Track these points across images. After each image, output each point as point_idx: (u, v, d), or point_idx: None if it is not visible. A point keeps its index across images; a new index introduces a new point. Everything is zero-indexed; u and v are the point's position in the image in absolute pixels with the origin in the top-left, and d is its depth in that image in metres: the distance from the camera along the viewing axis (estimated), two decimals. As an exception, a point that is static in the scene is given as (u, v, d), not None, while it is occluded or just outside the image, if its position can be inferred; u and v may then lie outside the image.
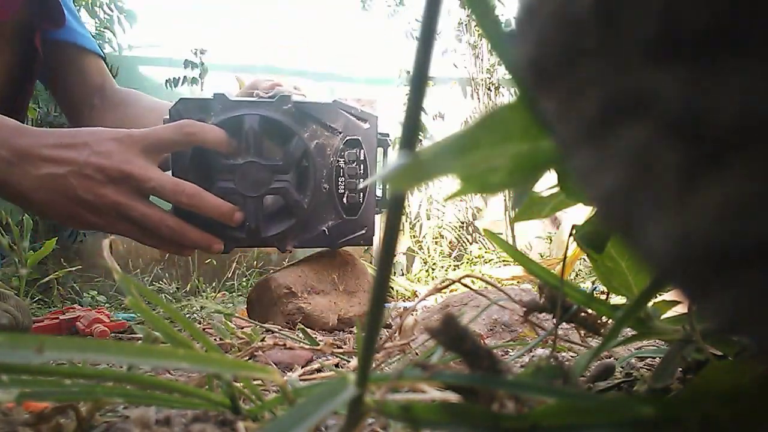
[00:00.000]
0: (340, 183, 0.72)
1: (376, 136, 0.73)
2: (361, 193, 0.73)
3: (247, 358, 0.43)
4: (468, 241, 2.96)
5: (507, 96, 3.06)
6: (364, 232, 0.75)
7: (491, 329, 0.57)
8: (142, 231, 0.64)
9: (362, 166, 0.73)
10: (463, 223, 3.03)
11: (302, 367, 0.44)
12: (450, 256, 2.86)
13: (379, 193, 0.77)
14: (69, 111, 0.99)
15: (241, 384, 0.26)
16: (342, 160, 0.72)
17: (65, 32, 0.91)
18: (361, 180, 0.72)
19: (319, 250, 0.81)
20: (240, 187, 0.66)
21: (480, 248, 2.73)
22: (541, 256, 2.35)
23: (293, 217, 0.71)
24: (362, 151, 0.73)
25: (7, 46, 0.82)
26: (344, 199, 0.73)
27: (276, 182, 0.68)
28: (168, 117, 0.66)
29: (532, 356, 0.42)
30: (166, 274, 2.10)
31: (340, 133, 0.72)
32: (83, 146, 0.60)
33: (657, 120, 0.11)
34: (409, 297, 1.51)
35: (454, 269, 2.52)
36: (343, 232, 0.74)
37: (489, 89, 3.07)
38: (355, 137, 0.72)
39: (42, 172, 0.59)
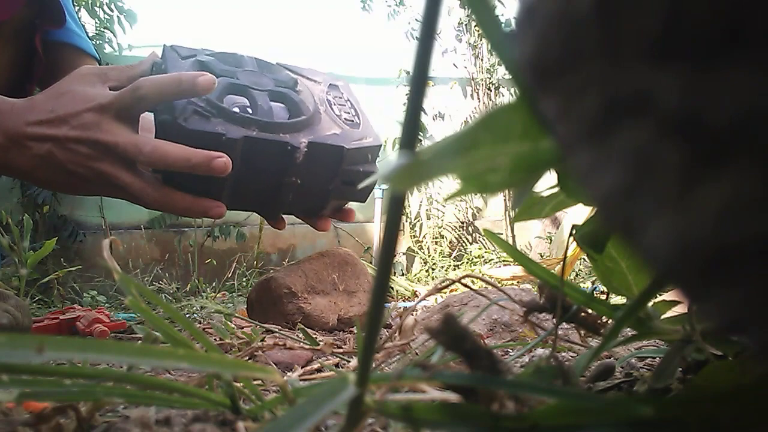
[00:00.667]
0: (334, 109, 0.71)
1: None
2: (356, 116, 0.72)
3: (247, 358, 0.43)
4: (468, 241, 2.96)
5: (507, 96, 3.06)
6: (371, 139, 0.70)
7: (491, 329, 0.57)
8: (132, 197, 0.63)
9: (350, 103, 0.73)
10: (463, 223, 3.03)
11: (302, 367, 0.44)
12: (450, 256, 2.86)
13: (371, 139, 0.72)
14: None
15: (241, 384, 0.26)
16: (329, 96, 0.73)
17: (63, 33, 0.91)
18: (354, 112, 0.72)
19: (318, 251, 0.81)
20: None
21: (480, 248, 2.73)
22: (541, 256, 2.35)
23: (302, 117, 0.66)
24: (345, 94, 0.74)
25: (8, 47, 0.82)
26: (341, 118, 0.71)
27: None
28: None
29: (532, 356, 0.42)
30: (166, 274, 2.10)
31: (320, 82, 0.74)
32: (61, 121, 0.59)
33: (657, 120, 0.11)
34: (409, 297, 1.51)
35: (454, 269, 2.52)
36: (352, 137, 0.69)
37: (489, 89, 3.07)
38: (336, 84, 0.74)
39: (33, 152, 0.60)
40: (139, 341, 0.29)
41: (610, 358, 0.40)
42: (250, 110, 0.64)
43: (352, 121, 0.71)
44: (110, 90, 0.62)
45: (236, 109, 0.62)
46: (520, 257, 0.32)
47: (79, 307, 0.92)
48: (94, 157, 0.60)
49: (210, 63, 0.67)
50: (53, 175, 0.61)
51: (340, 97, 0.74)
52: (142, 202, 0.62)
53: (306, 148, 0.63)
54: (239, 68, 0.69)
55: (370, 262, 2.37)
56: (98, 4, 2.55)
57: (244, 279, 2.08)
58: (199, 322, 0.86)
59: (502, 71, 3.02)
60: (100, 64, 0.98)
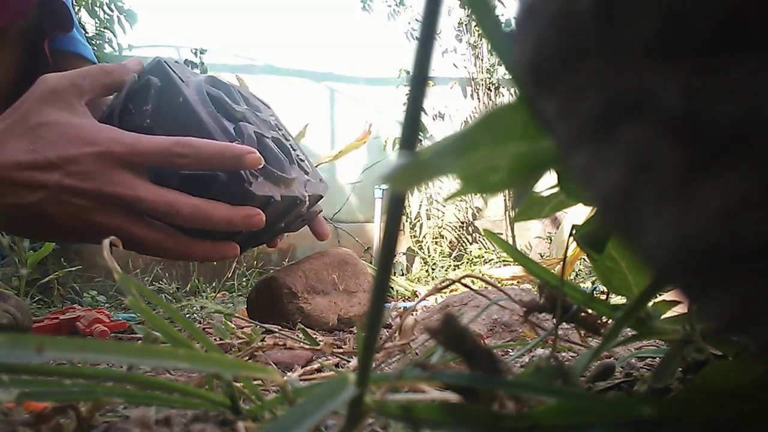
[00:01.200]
0: None
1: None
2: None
3: (247, 358, 0.43)
4: (468, 241, 2.96)
5: (507, 96, 3.06)
6: None
7: (491, 329, 0.57)
8: (146, 249, 0.55)
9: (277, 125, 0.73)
10: (463, 223, 3.03)
11: (302, 367, 0.44)
12: (450, 256, 2.86)
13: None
14: None
15: (241, 384, 0.26)
16: None
17: (66, 40, 0.90)
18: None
19: (318, 250, 0.81)
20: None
21: (480, 248, 2.73)
22: (541, 256, 2.35)
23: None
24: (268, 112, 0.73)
25: (13, 50, 0.80)
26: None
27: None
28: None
29: (532, 356, 0.42)
30: (166, 274, 2.10)
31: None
32: (51, 166, 0.48)
33: (657, 120, 0.11)
34: (409, 297, 1.51)
35: (454, 269, 2.52)
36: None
37: (489, 89, 3.07)
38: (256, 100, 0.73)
39: (8, 201, 0.48)
40: (139, 341, 0.29)
41: (610, 358, 0.40)
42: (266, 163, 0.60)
43: (303, 161, 0.74)
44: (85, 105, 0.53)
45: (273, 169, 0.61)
46: (520, 257, 0.32)
47: (79, 307, 0.92)
48: (99, 212, 0.50)
49: (221, 100, 0.61)
50: (35, 229, 0.52)
51: (275, 119, 0.73)
52: (158, 254, 0.55)
53: (308, 200, 0.68)
54: (237, 104, 0.64)
55: (370, 262, 2.38)
56: (98, 4, 2.55)
57: (244, 279, 2.08)
58: (199, 322, 0.86)
59: (502, 71, 3.02)
60: None
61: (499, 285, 0.55)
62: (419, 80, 0.16)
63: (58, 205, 0.49)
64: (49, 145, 0.49)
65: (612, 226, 0.12)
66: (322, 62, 2.93)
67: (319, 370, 0.43)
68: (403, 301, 1.31)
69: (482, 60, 3.09)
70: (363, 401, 0.18)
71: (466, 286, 0.41)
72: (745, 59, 0.09)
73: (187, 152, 0.51)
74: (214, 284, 2.01)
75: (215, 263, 2.27)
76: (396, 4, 3.16)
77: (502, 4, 2.80)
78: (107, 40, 2.59)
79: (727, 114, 0.10)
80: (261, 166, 0.55)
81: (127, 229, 0.52)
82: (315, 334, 0.69)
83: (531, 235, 2.95)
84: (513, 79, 0.16)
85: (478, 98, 3.08)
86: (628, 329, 0.28)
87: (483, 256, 2.63)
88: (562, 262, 0.31)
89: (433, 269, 2.62)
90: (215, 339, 0.54)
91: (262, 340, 0.48)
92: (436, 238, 2.93)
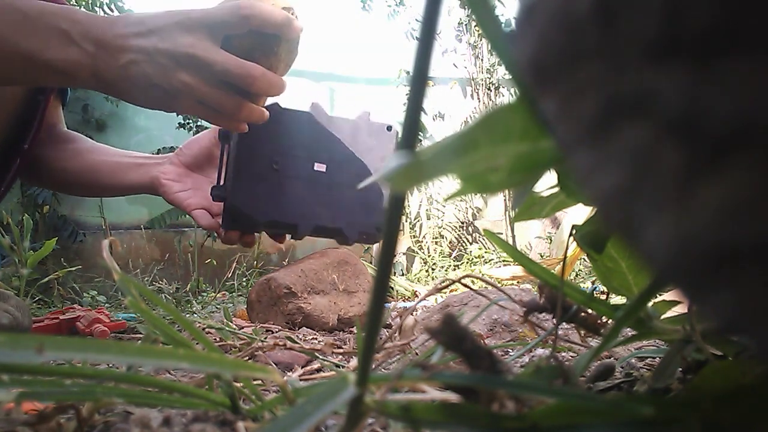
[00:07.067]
0: None
1: None
2: None
3: (248, 358, 0.43)
4: (468, 241, 2.96)
5: (507, 96, 3.06)
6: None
7: (491, 329, 0.57)
8: (216, 114, 0.66)
9: None
10: (463, 223, 3.03)
11: (302, 367, 0.44)
12: (450, 256, 2.86)
13: None
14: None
15: (241, 384, 0.26)
16: None
17: None
18: None
19: (318, 250, 0.81)
20: None
21: (480, 248, 2.73)
22: (541, 256, 2.35)
23: None
24: None
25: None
26: None
27: None
28: None
29: (532, 356, 0.42)
30: (166, 274, 2.10)
31: None
32: (151, 33, 0.62)
33: (657, 120, 0.11)
34: (409, 297, 1.51)
35: (454, 269, 2.52)
36: None
37: (489, 89, 3.07)
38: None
39: (121, 62, 0.61)
40: (139, 341, 0.29)
41: (610, 358, 0.40)
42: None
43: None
44: None
45: None
46: (520, 257, 0.32)
47: (79, 307, 0.92)
48: (181, 71, 0.62)
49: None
50: (135, 87, 0.63)
51: None
52: (216, 112, 0.66)
53: None
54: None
55: (370, 262, 2.37)
56: (98, 4, 2.55)
57: (244, 279, 2.07)
58: (199, 323, 0.86)
59: (502, 71, 3.02)
60: (63, 104, 0.96)
61: (499, 285, 0.55)
62: (419, 80, 0.16)
63: (153, 66, 0.61)
64: (147, 19, 0.63)
65: (612, 226, 0.12)
66: (322, 62, 2.93)
67: (319, 370, 0.43)
68: (403, 301, 1.31)
69: (482, 60, 3.09)
70: (363, 401, 0.18)
71: (466, 286, 0.41)
72: (745, 59, 0.09)
73: (249, 12, 0.62)
74: (214, 284, 2.01)
75: (215, 263, 2.27)
76: (396, 4, 3.16)
77: (502, 4, 2.80)
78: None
79: (727, 114, 0.10)
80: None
81: (199, 88, 0.63)
82: (315, 334, 0.69)
83: (531, 235, 2.95)
84: (513, 79, 0.16)
85: (478, 98, 3.08)
86: (628, 329, 0.28)
87: (483, 256, 2.62)
88: (562, 262, 0.31)
89: (433, 269, 2.62)
90: (215, 339, 0.54)
91: (263, 340, 0.48)
92: (436, 238, 2.93)
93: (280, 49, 0.67)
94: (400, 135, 0.17)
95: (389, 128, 0.81)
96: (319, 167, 0.78)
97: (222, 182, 0.76)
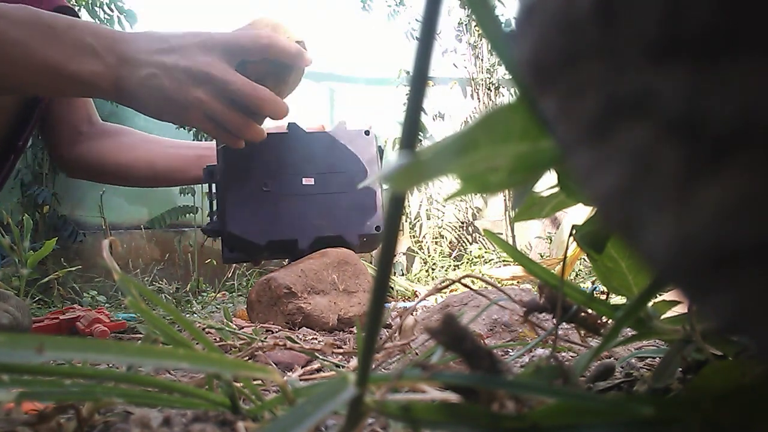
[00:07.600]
0: None
1: None
2: None
3: (248, 358, 0.43)
4: (468, 241, 2.96)
5: (507, 96, 3.06)
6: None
7: (491, 329, 0.57)
8: (221, 125, 0.70)
9: None
10: (463, 223, 3.03)
11: (302, 367, 0.44)
12: (450, 256, 2.85)
13: None
14: (56, 141, 1.01)
15: (241, 384, 0.26)
16: None
17: None
18: None
19: (319, 250, 0.82)
20: None
21: (480, 248, 2.73)
22: (541, 256, 2.35)
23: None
24: None
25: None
26: None
27: None
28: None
29: (532, 356, 0.42)
30: (166, 274, 2.10)
31: None
32: (173, 51, 0.66)
33: (657, 120, 0.11)
34: (409, 297, 1.51)
35: (454, 269, 2.52)
36: None
37: (489, 89, 3.07)
38: None
39: (142, 75, 0.66)
40: (140, 341, 0.29)
41: (610, 358, 0.40)
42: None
43: None
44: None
45: None
46: (520, 257, 0.32)
47: (79, 307, 0.92)
48: (196, 88, 0.66)
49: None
50: (151, 99, 0.67)
51: None
52: (225, 131, 0.70)
53: None
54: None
55: (370, 262, 2.37)
56: (98, 4, 2.55)
57: (244, 279, 2.07)
58: (199, 323, 0.86)
59: (502, 71, 3.02)
60: None
61: (499, 285, 0.55)
62: (419, 80, 0.16)
63: (171, 80, 0.66)
64: (171, 38, 0.68)
65: (612, 226, 0.12)
66: (322, 62, 2.92)
67: (319, 370, 0.43)
68: (403, 301, 1.31)
69: (482, 60, 3.09)
70: (363, 401, 0.18)
71: (466, 286, 0.41)
72: (745, 59, 0.09)
73: (267, 42, 0.69)
74: (214, 284, 2.00)
75: (215, 263, 2.27)
76: (396, 4, 3.16)
77: (502, 4, 2.80)
78: (107, 40, 2.59)
79: (727, 114, 0.10)
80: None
81: (212, 105, 0.67)
82: (315, 334, 0.69)
83: (531, 235, 2.95)
84: (513, 79, 0.16)
85: (478, 98, 3.08)
86: (628, 329, 0.28)
87: (483, 256, 2.62)
88: (562, 262, 0.31)
89: (433, 269, 2.62)
90: (215, 339, 0.54)
91: (263, 340, 0.48)
92: (436, 238, 2.93)
93: (290, 77, 0.72)
94: (399, 136, 0.17)
95: (367, 132, 0.85)
96: (308, 181, 0.80)
97: (213, 219, 0.80)
